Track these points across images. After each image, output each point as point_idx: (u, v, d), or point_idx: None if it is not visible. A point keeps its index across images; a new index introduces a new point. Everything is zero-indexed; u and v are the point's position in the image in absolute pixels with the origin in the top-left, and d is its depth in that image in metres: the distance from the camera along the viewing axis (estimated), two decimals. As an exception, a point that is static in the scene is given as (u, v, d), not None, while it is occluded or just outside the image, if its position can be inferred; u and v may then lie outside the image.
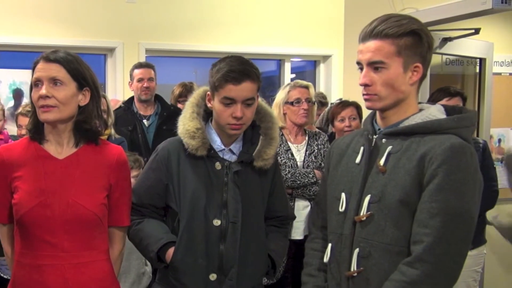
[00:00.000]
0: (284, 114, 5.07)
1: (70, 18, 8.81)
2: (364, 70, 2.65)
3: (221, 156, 3.23)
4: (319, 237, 3.01)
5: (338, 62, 9.44)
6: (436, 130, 2.59)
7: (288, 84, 5.30)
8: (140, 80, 6.17)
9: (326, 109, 7.12)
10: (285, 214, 3.48)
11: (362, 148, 2.78)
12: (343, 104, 5.61)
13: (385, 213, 2.59)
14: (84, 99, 2.95)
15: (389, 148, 2.64)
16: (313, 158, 5.03)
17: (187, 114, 3.28)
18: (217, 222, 3.15)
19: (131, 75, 6.35)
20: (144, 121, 6.13)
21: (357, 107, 5.56)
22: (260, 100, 3.34)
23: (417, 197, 2.53)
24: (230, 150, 3.25)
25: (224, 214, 3.16)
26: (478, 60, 7.07)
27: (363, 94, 2.70)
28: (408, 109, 2.69)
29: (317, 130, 5.40)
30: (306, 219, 4.92)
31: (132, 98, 6.30)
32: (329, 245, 2.83)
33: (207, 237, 3.16)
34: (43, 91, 2.82)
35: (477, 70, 7.03)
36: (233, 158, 3.24)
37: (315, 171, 4.93)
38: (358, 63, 2.70)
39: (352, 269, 2.67)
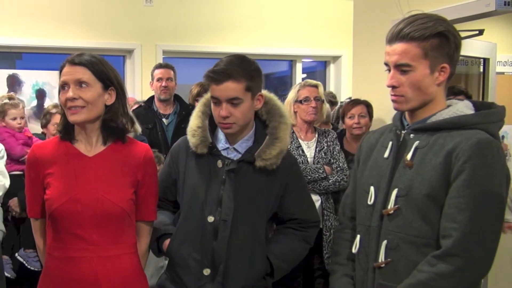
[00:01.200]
0: (295, 112, 5.08)
1: (90, 21, 8.88)
2: (391, 72, 2.62)
3: (225, 154, 3.20)
4: (349, 227, 2.98)
5: (348, 62, 9.51)
6: (463, 125, 2.55)
7: (299, 84, 5.31)
8: (159, 79, 6.19)
9: (336, 108, 7.14)
10: (303, 217, 3.33)
11: (390, 143, 2.76)
12: (354, 102, 5.61)
13: (412, 207, 2.57)
14: (110, 98, 2.96)
15: (416, 143, 2.61)
16: (322, 154, 5.03)
17: (194, 113, 3.29)
18: (210, 219, 3.12)
19: (152, 75, 6.37)
20: (164, 119, 6.14)
21: (368, 105, 5.56)
22: (275, 100, 3.32)
23: (444, 192, 2.50)
24: (235, 149, 3.21)
25: (219, 211, 3.13)
26: (482, 60, 7.00)
27: (391, 95, 2.67)
28: (436, 107, 2.65)
29: (326, 128, 5.40)
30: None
31: (152, 98, 6.32)
32: (358, 236, 2.82)
33: (202, 233, 3.14)
34: (70, 93, 2.84)
35: (481, 70, 6.97)
36: (237, 157, 3.19)
37: (325, 166, 4.95)
38: (386, 64, 2.67)
39: (380, 260, 2.65)
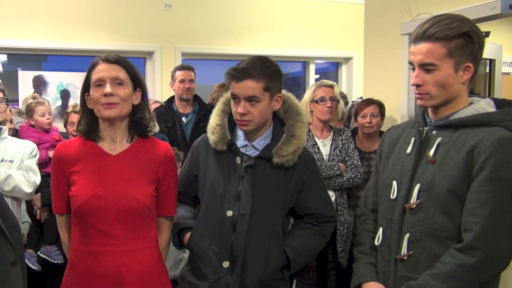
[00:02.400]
0: (311, 111, 5.05)
1: (113, 25, 8.93)
2: (416, 70, 2.60)
3: (244, 151, 3.20)
4: (371, 218, 2.98)
5: (359, 63, 9.51)
6: (485, 123, 2.53)
7: (315, 84, 5.28)
8: (181, 81, 6.19)
9: (348, 107, 7.13)
10: (320, 212, 3.32)
11: (413, 139, 2.74)
12: (367, 102, 5.58)
13: (434, 202, 2.56)
14: (136, 98, 2.98)
15: (439, 139, 2.60)
16: (337, 152, 5.03)
17: (214, 111, 3.29)
18: (229, 213, 3.12)
19: (172, 76, 6.37)
20: (183, 118, 6.15)
21: (380, 105, 5.53)
22: (293, 100, 3.30)
23: (465, 187, 2.48)
24: (253, 146, 3.20)
25: (237, 206, 3.13)
26: (488, 61, 7.00)
27: (416, 93, 2.65)
28: (459, 104, 2.63)
29: (341, 126, 5.38)
30: None
31: (172, 98, 6.32)
32: (380, 229, 2.82)
33: (221, 226, 3.14)
34: (108, 89, 2.84)
35: (487, 70, 6.96)
36: (255, 154, 3.18)
37: (340, 164, 4.93)
38: (410, 63, 2.65)
39: (402, 253, 2.65)
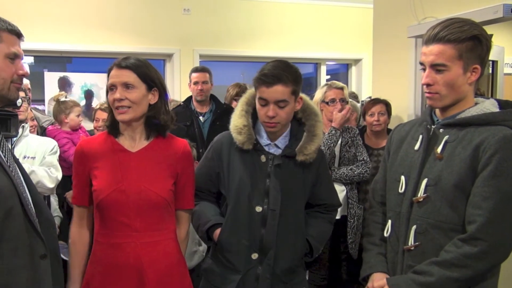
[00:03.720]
0: (321, 110, 5.00)
1: (133, 28, 8.97)
2: (427, 71, 2.61)
3: (267, 150, 3.20)
4: (380, 211, 3.00)
5: (368, 65, 9.49)
6: (490, 122, 2.55)
7: (326, 85, 5.27)
8: (195, 83, 6.21)
9: (359, 106, 7.14)
10: (329, 202, 3.41)
11: (420, 136, 2.76)
12: (374, 101, 5.60)
13: (440, 195, 2.58)
14: (153, 98, 2.98)
15: (446, 137, 2.62)
16: (347, 148, 5.04)
17: (237, 112, 3.26)
18: (258, 209, 3.14)
19: (189, 78, 6.39)
20: (200, 117, 6.15)
21: (386, 104, 5.55)
22: (308, 100, 3.32)
23: (470, 182, 2.51)
24: (276, 145, 3.21)
25: (266, 202, 3.15)
26: (490, 62, 7.00)
27: (426, 92, 2.67)
28: (465, 104, 2.64)
29: (348, 125, 5.33)
30: (342, 202, 4.84)
31: (190, 97, 6.33)
32: (389, 221, 2.84)
33: (250, 221, 3.16)
34: (117, 95, 2.88)
35: (490, 71, 6.94)
36: (278, 152, 3.20)
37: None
38: (421, 63, 2.65)
39: (409, 244, 2.68)
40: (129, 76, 2.91)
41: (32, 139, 4.76)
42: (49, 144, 4.78)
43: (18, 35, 2.38)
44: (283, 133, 3.22)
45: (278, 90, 3.02)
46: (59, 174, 4.68)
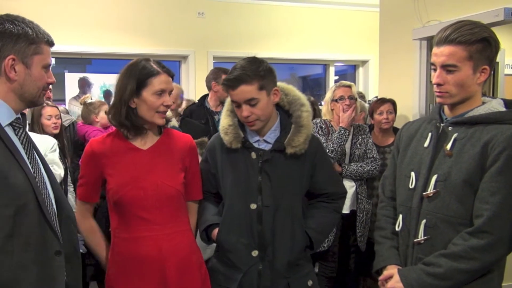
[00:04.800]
0: (332, 109, 5.02)
1: (150, 31, 9.02)
2: (438, 71, 2.59)
3: (257, 146, 3.14)
4: (390, 205, 2.97)
5: (374, 66, 9.51)
6: (498, 120, 2.54)
7: (334, 85, 5.24)
8: None
9: (367, 105, 7.13)
10: (332, 190, 3.30)
11: (430, 134, 2.74)
12: (382, 100, 5.58)
13: (450, 191, 2.56)
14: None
15: (455, 135, 2.60)
16: (358, 145, 5.02)
17: (223, 112, 3.24)
18: (253, 206, 3.08)
19: (217, 79, 6.15)
20: (215, 116, 6.07)
21: (393, 103, 5.54)
22: (295, 90, 3.28)
23: (479, 178, 2.49)
24: (265, 140, 3.16)
25: (259, 198, 3.08)
26: (492, 63, 6.98)
27: (436, 91, 2.65)
28: (473, 103, 2.63)
29: (360, 123, 5.33)
30: (352, 197, 4.91)
31: (204, 96, 6.24)
32: (400, 216, 2.82)
33: (246, 219, 3.10)
34: (170, 102, 2.92)
35: (492, 72, 6.94)
36: (268, 147, 3.13)
37: (336, 164, 4.90)
38: (432, 64, 2.63)
39: (419, 237, 2.66)
40: (172, 83, 2.97)
41: (32, 137, 4.72)
42: (49, 142, 4.78)
43: (52, 45, 2.41)
44: (271, 127, 3.17)
45: (244, 90, 2.99)
46: (61, 172, 4.70)
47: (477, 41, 2.50)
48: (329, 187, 3.29)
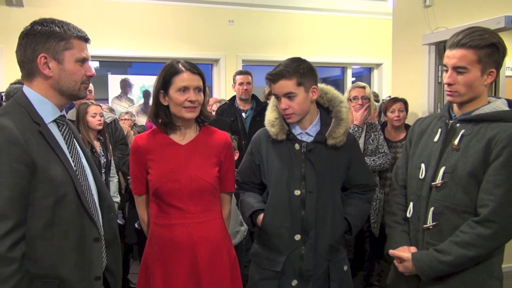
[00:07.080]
0: None
1: (185, 37, 9.09)
2: (449, 72, 2.59)
3: (300, 138, 3.11)
4: (401, 193, 2.95)
5: (388, 68, 9.49)
6: (502, 118, 2.54)
7: (351, 86, 5.26)
8: (240, 83, 6.18)
9: (379, 104, 7.09)
10: (365, 182, 3.29)
11: (439, 129, 2.74)
12: (394, 99, 5.58)
13: (456, 182, 2.57)
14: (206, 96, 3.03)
15: (463, 131, 2.61)
16: (370, 141, 5.05)
17: (269, 108, 3.22)
18: (297, 192, 3.05)
19: (234, 80, 6.38)
20: (243, 114, 6.18)
21: (405, 102, 5.55)
22: (333, 90, 3.26)
23: (483, 171, 2.50)
24: (307, 133, 3.13)
25: (303, 185, 3.05)
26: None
27: (447, 91, 2.64)
28: (480, 102, 2.63)
29: (372, 121, 5.31)
30: None
31: (234, 97, 6.36)
32: (411, 203, 2.81)
33: (290, 205, 3.07)
34: (193, 97, 2.90)
35: None
36: (310, 140, 3.11)
37: None
38: (444, 65, 2.62)
39: (428, 223, 2.67)
40: (200, 81, 2.95)
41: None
42: None
43: (86, 40, 2.37)
44: (313, 122, 3.15)
45: (283, 85, 3.00)
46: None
47: (486, 46, 2.50)
48: (362, 179, 3.28)
